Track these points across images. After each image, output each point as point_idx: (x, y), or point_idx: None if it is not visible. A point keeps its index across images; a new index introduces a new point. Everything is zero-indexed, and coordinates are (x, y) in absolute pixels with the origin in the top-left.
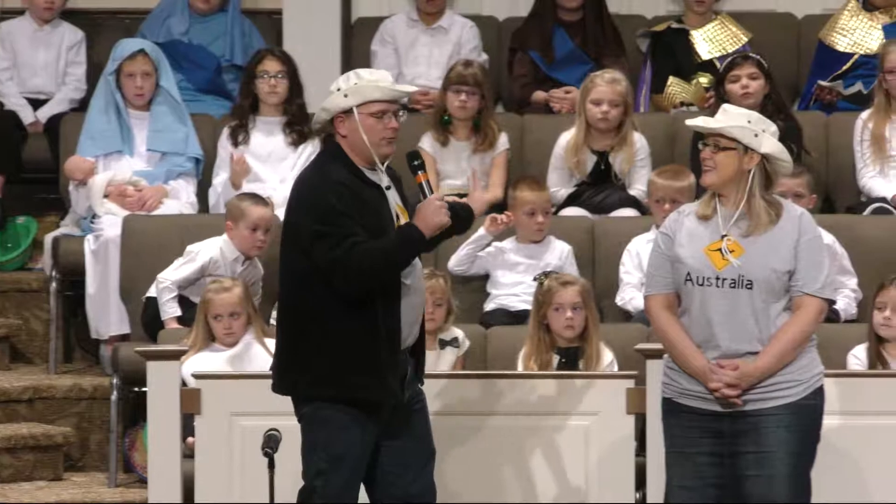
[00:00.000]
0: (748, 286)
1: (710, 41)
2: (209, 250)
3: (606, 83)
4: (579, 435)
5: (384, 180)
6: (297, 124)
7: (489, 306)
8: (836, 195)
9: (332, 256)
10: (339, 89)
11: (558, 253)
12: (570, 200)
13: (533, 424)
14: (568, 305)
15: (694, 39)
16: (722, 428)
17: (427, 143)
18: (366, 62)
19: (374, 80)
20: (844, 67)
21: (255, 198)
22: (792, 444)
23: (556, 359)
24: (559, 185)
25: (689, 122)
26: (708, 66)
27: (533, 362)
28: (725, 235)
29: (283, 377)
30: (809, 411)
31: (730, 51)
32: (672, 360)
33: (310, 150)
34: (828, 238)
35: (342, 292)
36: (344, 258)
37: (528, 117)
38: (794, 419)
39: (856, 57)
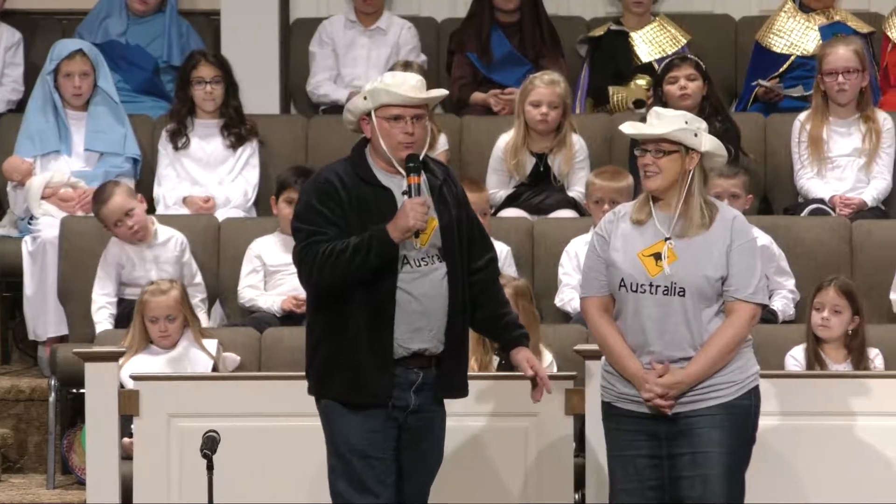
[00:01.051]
0: (681, 293)
1: (650, 43)
2: None
3: (545, 85)
4: (519, 436)
5: (403, 185)
6: (235, 127)
7: None
8: (773, 196)
9: (296, 253)
10: (364, 98)
11: (497, 254)
12: (509, 201)
13: (472, 425)
14: None
15: (634, 42)
16: (658, 430)
17: None
18: (304, 63)
19: (389, 85)
20: (781, 69)
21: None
22: (725, 444)
23: (495, 360)
24: (498, 187)
25: (627, 130)
26: (646, 68)
27: (473, 363)
28: (669, 238)
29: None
30: (743, 411)
31: (669, 52)
32: (608, 364)
33: (248, 152)
34: (765, 239)
35: (309, 288)
36: (303, 255)
37: (468, 118)
38: (727, 419)
39: (793, 58)
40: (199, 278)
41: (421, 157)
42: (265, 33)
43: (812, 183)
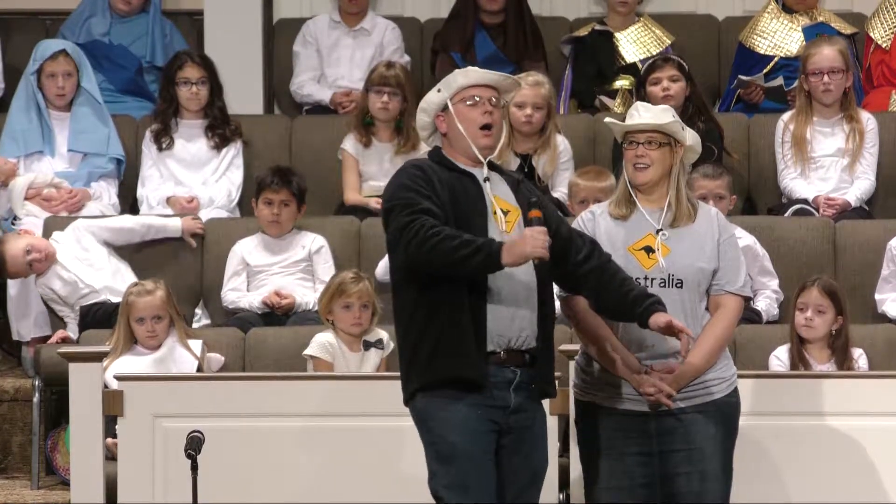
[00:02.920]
0: (678, 285)
1: (635, 43)
2: None
3: (530, 86)
4: None
5: (484, 172)
6: (219, 127)
7: None
8: (757, 196)
9: (395, 225)
10: (439, 90)
11: None
12: None
13: None
14: None
15: (618, 42)
16: (648, 427)
17: (349, 145)
18: (288, 63)
19: (462, 71)
20: (765, 70)
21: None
22: (720, 440)
23: None
24: None
25: (624, 122)
26: (629, 68)
27: None
28: (661, 230)
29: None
30: (732, 408)
31: (654, 53)
32: (589, 363)
33: (232, 153)
34: (749, 239)
35: (407, 263)
36: (405, 224)
37: None
38: (720, 416)
39: (776, 59)
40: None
41: (495, 153)
42: (249, 33)
43: (796, 183)
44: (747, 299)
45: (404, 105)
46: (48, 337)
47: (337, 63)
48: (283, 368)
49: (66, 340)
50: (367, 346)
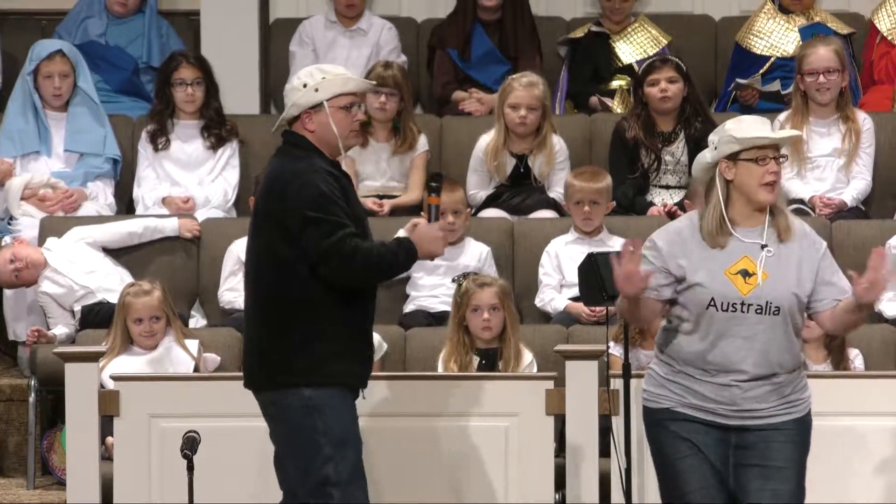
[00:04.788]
0: (775, 312)
1: (632, 44)
2: None
3: (524, 87)
4: (499, 436)
5: (343, 165)
6: (215, 128)
7: (409, 308)
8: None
9: (327, 244)
10: (305, 85)
11: (477, 254)
12: (490, 202)
13: (452, 426)
14: (486, 307)
15: (615, 43)
16: (728, 438)
17: None
18: (284, 63)
19: (341, 74)
20: (762, 70)
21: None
22: (797, 461)
23: (475, 360)
24: (478, 188)
25: (771, 134)
26: (626, 69)
27: (453, 364)
28: (766, 245)
29: (262, 370)
30: (809, 428)
31: (650, 53)
32: (667, 370)
33: (228, 153)
34: None
35: (328, 281)
36: (339, 248)
37: (448, 119)
38: (799, 436)
39: (772, 59)
40: None
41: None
42: (245, 33)
43: (792, 183)
44: None
45: (402, 105)
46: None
47: (333, 63)
48: None
49: (41, 338)
50: None
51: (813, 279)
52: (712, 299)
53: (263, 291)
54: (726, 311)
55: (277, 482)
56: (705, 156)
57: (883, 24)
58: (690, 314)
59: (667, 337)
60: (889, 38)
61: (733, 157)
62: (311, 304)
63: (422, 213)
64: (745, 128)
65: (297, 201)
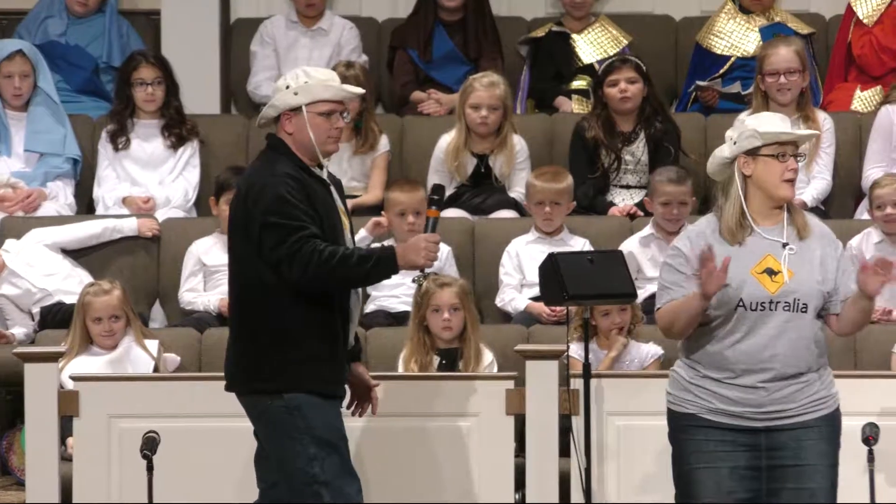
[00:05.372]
0: (803, 309)
1: (592, 44)
2: None
3: (485, 87)
4: (459, 436)
5: (325, 177)
6: (175, 127)
7: (369, 308)
8: (714, 197)
9: (283, 248)
10: (287, 87)
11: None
12: (450, 202)
13: (413, 426)
14: (446, 307)
15: (575, 43)
16: (758, 442)
17: None
18: (245, 63)
19: (324, 80)
20: (722, 70)
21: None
22: (831, 457)
23: (436, 360)
24: None
25: (794, 132)
26: (587, 69)
27: (413, 364)
28: (787, 244)
29: (238, 374)
30: (839, 424)
31: (611, 53)
32: (692, 373)
33: (189, 153)
34: None
35: (293, 285)
36: (297, 249)
37: (409, 119)
38: (831, 432)
39: (733, 59)
40: None
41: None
42: (206, 33)
43: None
44: None
45: (363, 105)
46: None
47: (294, 63)
48: None
49: (0, 338)
50: None
51: (834, 277)
52: (741, 299)
53: (235, 295)
54: (755, 310)
55: (247, 484)
56: (723, 150)
57: (861, 8)
58: (719, 315)
59: (691, 340)
60: (866, 21)
61: (753, 153)
62: (276, 307)
63: (382, 213)
64: (767, 123)
65: (256, 206)
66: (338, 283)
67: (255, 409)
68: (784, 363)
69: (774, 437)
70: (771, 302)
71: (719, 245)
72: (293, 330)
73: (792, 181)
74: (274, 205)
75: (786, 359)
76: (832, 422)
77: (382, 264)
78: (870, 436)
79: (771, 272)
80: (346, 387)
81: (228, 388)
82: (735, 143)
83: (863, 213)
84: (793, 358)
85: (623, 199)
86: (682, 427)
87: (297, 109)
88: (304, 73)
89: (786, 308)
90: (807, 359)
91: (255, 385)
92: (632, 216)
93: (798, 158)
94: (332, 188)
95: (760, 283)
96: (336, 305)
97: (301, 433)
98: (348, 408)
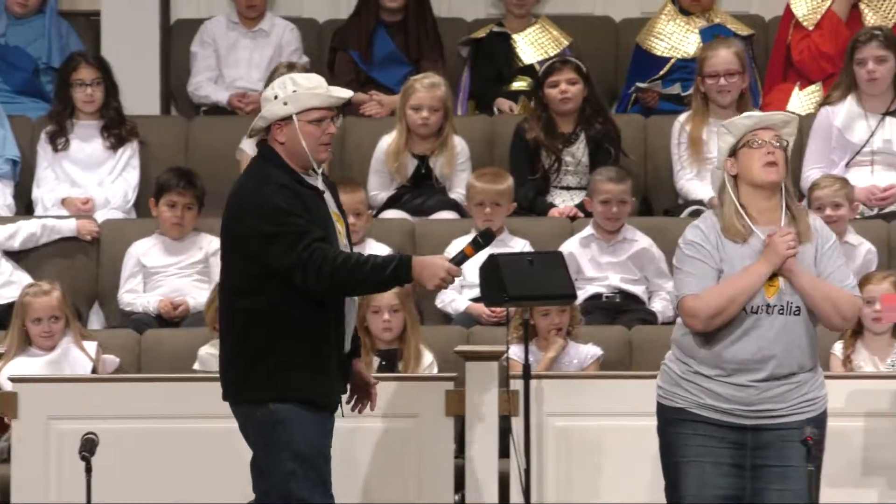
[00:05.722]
0: (796, 312)
1: (533, 45)
2: None
3: (426, 89)
4: (399, 437)
5: (320, 184)
6: (115, 128)
7: None
8: (654, 198)
9: (292, 257)
10: (276, 97)
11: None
12: (391, 203)
13: (352, 426)
14: (386, 308)
15: (516, 44)
16: (745, 440)
17: (248, 145)
18: (185, 64)
19: (312, 88)
20: (662, 72)
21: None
22: (814, 459)
23: (375, 361)
24: (379, 189)
25: (767, 113)
26: (527, 70)
27: None
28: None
29: (229, 384)
30: (825, 426)
31: (551, 54)
32: (683, 368)
33: (128, 153)
34: (646, 241)
35: (305, 290)
36: (306, 258)
37: (350, 120)
38: (817, 434)
39: (673, 61)
40: None
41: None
42: (146, 34)
43: (692, 184)
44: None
45: None
46: None
47: (235, 64)
48: (178, 370)
49: None
50: None
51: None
52: None
53: (226, 305)
54: (754, 313)
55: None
56: (715, 164)
57: (799, 9)
58: None
59: (686, 336)
60: (805, 24)
61: (733, 153)
62: (267, 317)
63: None
64: (737, 120)
65: (252, 219)
66: (351, 290)
67: (242, 419)
68: (778, 365)
69: (761, 435)
70: (768, 306)
71: (723, 243)
72: (283, 339)
73: (773, 164)
74: (272, 215)
75: (780, 361)
76: (818, 424)
77: (398, 276)
78: (808, 436)
79: (771, 275)
80: (348, 385)
81: (223, 398)
82: (719, 150)
83: None
84: (787, 359)
85: (563, 201)
86: (671, 421)
87: (287, 119)
88: (291, 82)
89: (781, 312)
90: (800, 359)
91: (243, 395)
92: (572, 217)
93: (778, 144)
94: (327, 194)
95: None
96: (332, 313)
97: (281, 447)
98: (348, 403)
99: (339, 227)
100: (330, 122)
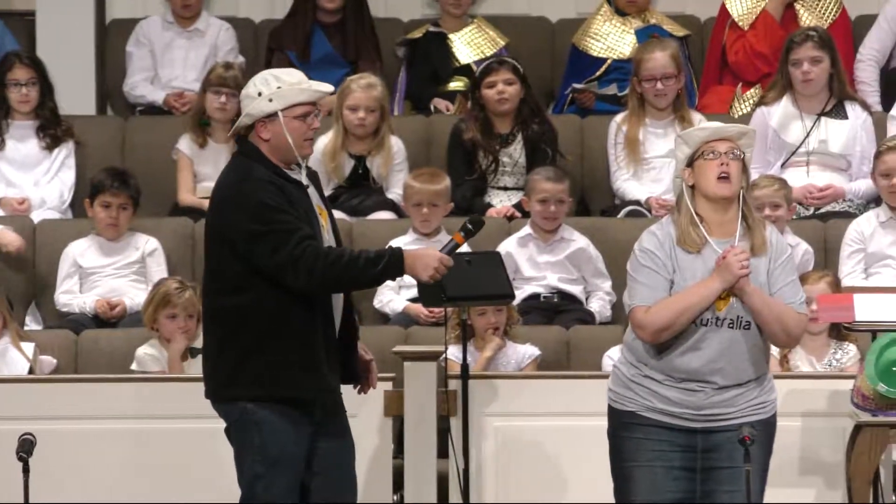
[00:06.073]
0: (746, 327)
1: (469, 45)
2: None
3: (362, 89)
4: None
5: (303, 178)
6: (50, 128)
7: None
8: (590, 198)
9: (282, 256)
10: (260, 94)
11: None
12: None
13: None
14: None
15: (452, 44)
16: (695, 443)
17: (185, 145)
18: (121, 64)
19: (296, 83)
20: (598, 72)
21: None
22: (762, 461)
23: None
24: None
25: (729, 126)
26: (464, 70)
27: None
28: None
29: (211, 382)
30: (773, 430)
31: (488, 54)
32: (633, 371)
33: (64, 153)
34: (583, 241)
35: (296, 289)
36: (297, 256)
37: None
38: (765, 437)
39: (609, 62)
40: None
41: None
42: (81, 33)
43: (628, 184)
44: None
45: (241, 106)
46: None
47: (171, 64)
48: (115, 370)
49: None
50: (195, 353)
51: (767, 288)
52: None
53: (208, 303)
54: (705, 325)
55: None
56: (675, 174)
57: (735, 8)
58: None
59: (636, 340)
60: (740, 24)
61: (690, 164)
62: (251, 316)
63: None
64: (693, 131)
65: (238, 216)
66: (345, 287)
67: (224, 418)
68: (725, 376)
69: (711, 438)
70: (717, 319)
71: (676, 253)
72: (269, 337)
73: (726, 178)
74: (258, 212)
75: (728, 372)
76: (768, 427)
77: (391, 270)
78: (745, 436)
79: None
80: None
81: (205, 396)
82: (676, 160)
83: None
84: (734, 371)
85: (501, 201)
86: (622, 424)
87: (272, 115)
88: (274, 78)
89: (731, 325)
90: (748, 370)
91: (223, 392)
92: (510, 217)
93: (734, 156)
94: (311, 188)
95: None
96: (318, 308)
97: (254, 450)
98: (354, 387)
99: (323, 221)
100: (314, 118)
